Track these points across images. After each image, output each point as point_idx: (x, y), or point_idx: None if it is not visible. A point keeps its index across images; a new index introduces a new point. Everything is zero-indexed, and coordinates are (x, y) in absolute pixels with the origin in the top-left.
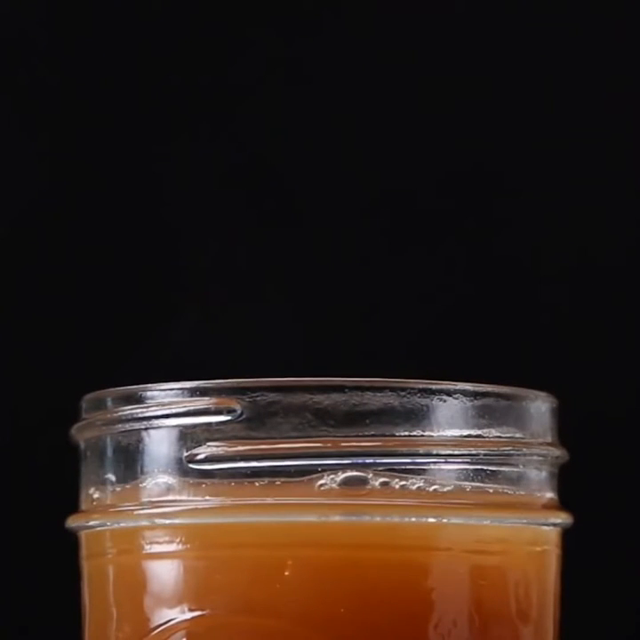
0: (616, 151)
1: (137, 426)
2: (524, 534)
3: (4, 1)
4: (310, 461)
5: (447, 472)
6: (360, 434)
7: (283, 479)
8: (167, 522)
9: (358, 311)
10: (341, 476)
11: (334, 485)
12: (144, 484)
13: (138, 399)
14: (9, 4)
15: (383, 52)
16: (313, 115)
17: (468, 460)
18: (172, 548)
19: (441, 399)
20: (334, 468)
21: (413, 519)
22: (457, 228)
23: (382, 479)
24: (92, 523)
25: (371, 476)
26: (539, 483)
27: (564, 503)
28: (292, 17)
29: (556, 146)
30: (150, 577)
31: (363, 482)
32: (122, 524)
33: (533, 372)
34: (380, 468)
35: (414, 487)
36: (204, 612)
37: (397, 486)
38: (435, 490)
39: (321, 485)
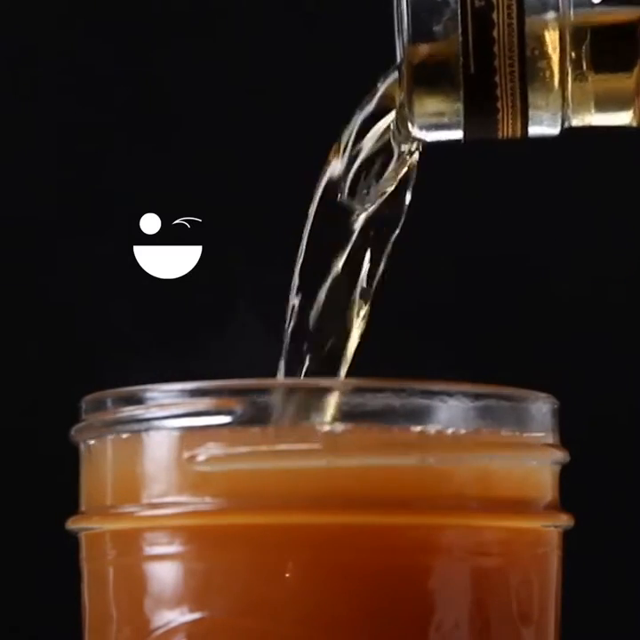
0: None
1: (137, 427)
2: (526, 536)
3: None
4: (312, 463)
5: None
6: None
7: None
8: (167, 523)
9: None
10: None
11: None
12: (144, 486)
13: (138, 400)
14: None
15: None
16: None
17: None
18: (172, 549)
19: (441, 400)
20: None
21: (424, 522)
22: (457, 226)
23: None
24: (91, 524)
25: None
26: (540, 484)
27: (564, 505)
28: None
29: None
30: (150, 579)
31: None
32: (122, 526)
33: (534, 373)
34: None
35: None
36: (203, 614)
37: None
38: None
39: None
